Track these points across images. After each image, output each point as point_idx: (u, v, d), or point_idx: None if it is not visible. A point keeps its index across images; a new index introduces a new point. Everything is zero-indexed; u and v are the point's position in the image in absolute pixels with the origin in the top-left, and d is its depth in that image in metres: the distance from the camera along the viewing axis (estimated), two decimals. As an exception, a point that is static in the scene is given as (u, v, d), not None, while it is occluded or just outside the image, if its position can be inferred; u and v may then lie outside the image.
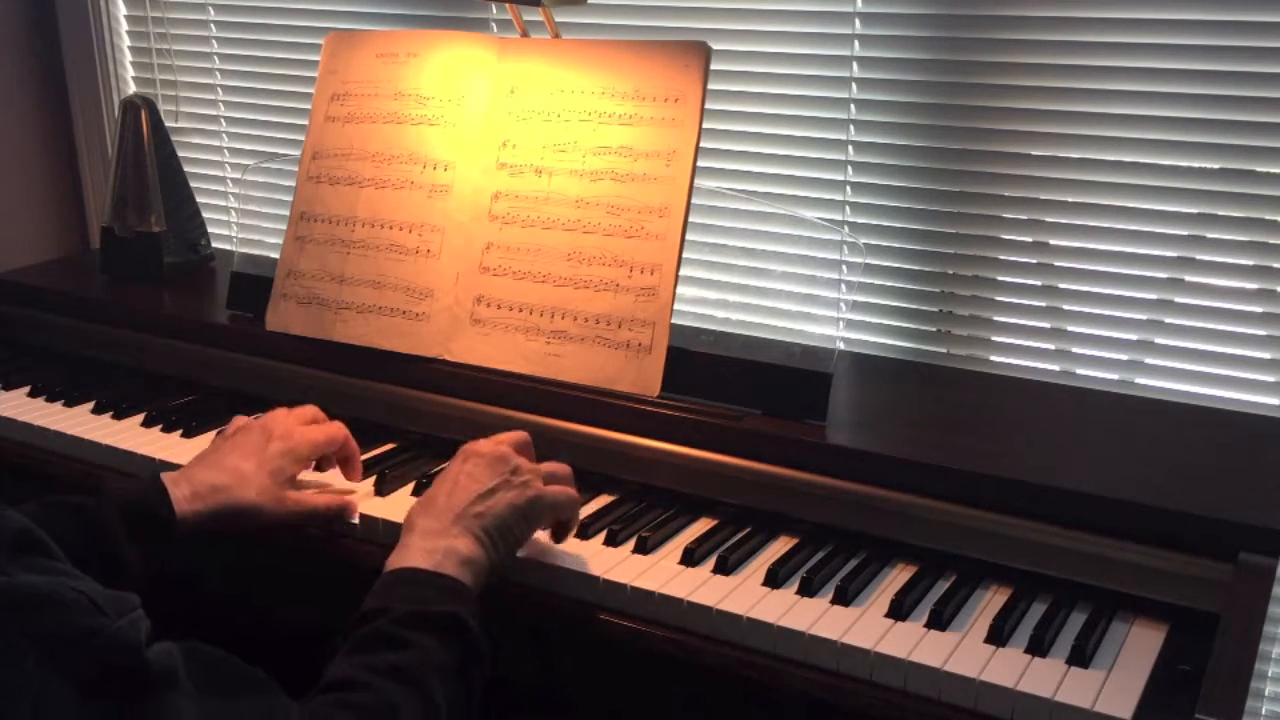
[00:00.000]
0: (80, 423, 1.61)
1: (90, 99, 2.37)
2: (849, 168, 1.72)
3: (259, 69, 2.22)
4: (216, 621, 1.36)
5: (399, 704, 1.00)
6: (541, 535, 1.30)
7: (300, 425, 1.39)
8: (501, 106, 1.55)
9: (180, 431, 1.58)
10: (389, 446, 1.54)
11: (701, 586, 1.22)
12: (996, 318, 1.68)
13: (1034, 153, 1.60)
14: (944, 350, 1.72)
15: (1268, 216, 1.49)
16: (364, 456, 1.46)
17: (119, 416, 1.63)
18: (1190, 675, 1.07)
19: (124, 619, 0.88)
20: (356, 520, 1.36)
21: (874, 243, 1.72)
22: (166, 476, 1.29)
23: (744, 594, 1.21)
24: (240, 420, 1.41)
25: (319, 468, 1.43)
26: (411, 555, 1.14)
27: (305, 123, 1.68)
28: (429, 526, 1.17)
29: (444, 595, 1.10)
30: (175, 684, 0.90)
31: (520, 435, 1.31)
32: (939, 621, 1.16)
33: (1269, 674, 1.58)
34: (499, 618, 1.29)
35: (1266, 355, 1.52)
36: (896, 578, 1.26)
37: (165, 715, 0.88)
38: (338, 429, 1.42)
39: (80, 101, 2.38)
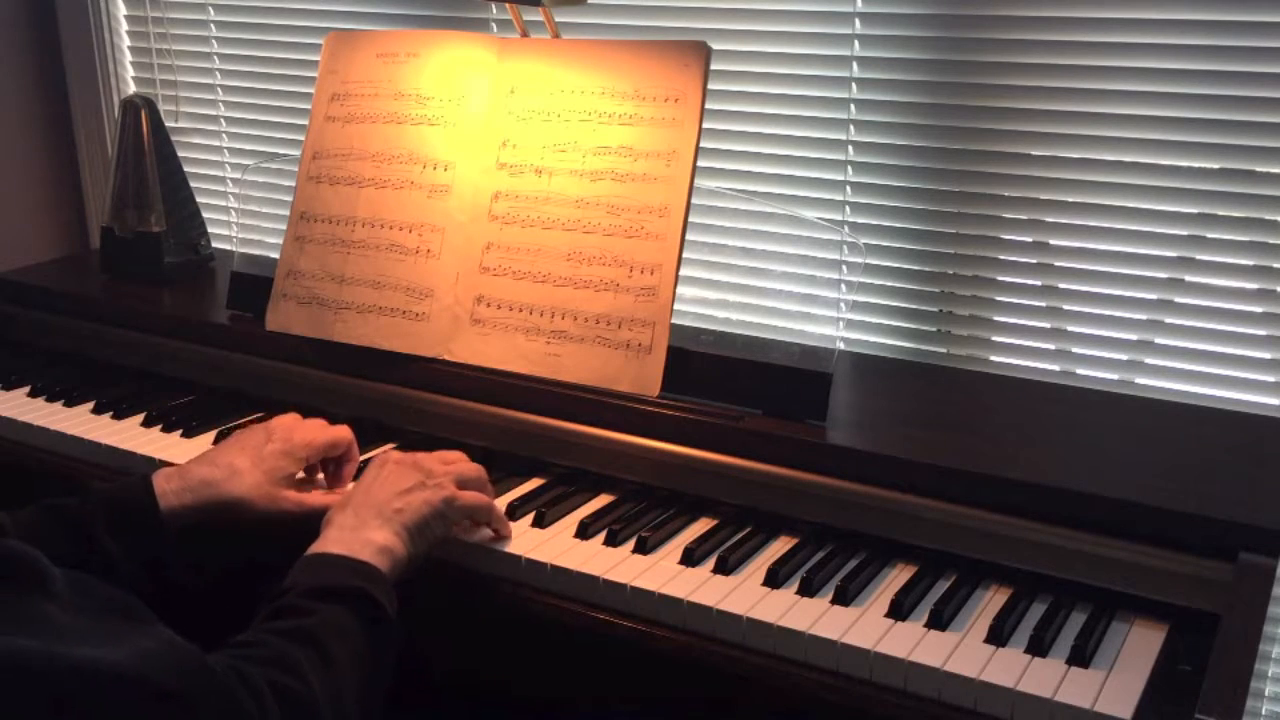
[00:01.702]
0: (80, 423, 1.61)
1: (90, 99, 2.37)
2: (849, 168, 1.72)
3: (259, 69, 2.22)
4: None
5: (298, 660, 1.02)
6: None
7: (303, 425, 1.40)
8: (501, 106, 1.55)
9: (180, 431, 1.58)
10: (389, 446, 1.53)
11: (701, 586, 1.22)
12: (996, 318, 1.68)
13: (1034, 153, 1.60)
14: (944, 350, 1.72)
15: (1268, 216, 1.49)
16: (363, 456, 1.46)
17: (119, 416, 1.63)
18: (1190, 675, 1.07)
19: None
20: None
21: (874, 243, 1.72)
22: (160, 472, 1.31)
23: (744, 594, 1.21)
24: (249, 426, 1.43)
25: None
26: (326, 544, 1.18)
27: (305, 123, 1.68)
28: (345, 521, 1.21)
29: (351, 574, 1.14)
30: (46, 589, 0.90)
31: (441, 454, 1.35)
32: (939, 621, 1.16)
33: (1269, 674, 1.58)
34: (499, 618, 1.30)
35: (1266, 355, 1.52)
36: (896, 578, 1.26)
37: (31, 610, 0.88)
38: (341, 433, 1.42)
39: (80, 101, 2.38)
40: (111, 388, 1.71)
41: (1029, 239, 1.63)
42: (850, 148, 1.71)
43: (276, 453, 1.35)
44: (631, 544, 1.30)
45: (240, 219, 2.29)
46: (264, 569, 1.18)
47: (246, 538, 1.34)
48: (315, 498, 1.37)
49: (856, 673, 1.12)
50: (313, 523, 1.35)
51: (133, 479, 1.31)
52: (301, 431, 1.38)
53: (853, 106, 1.69)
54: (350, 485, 1.38)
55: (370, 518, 1.21)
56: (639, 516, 1.36)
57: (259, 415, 1.62)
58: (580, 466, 1.45)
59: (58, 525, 1.22)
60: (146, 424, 1.61)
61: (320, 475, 1.43)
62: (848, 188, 1.73)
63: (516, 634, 1.34)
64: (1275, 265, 1.50)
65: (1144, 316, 1.58)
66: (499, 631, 1.36)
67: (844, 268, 1.76)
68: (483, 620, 1.36)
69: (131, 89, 2.37)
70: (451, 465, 1.31)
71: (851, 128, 1.70)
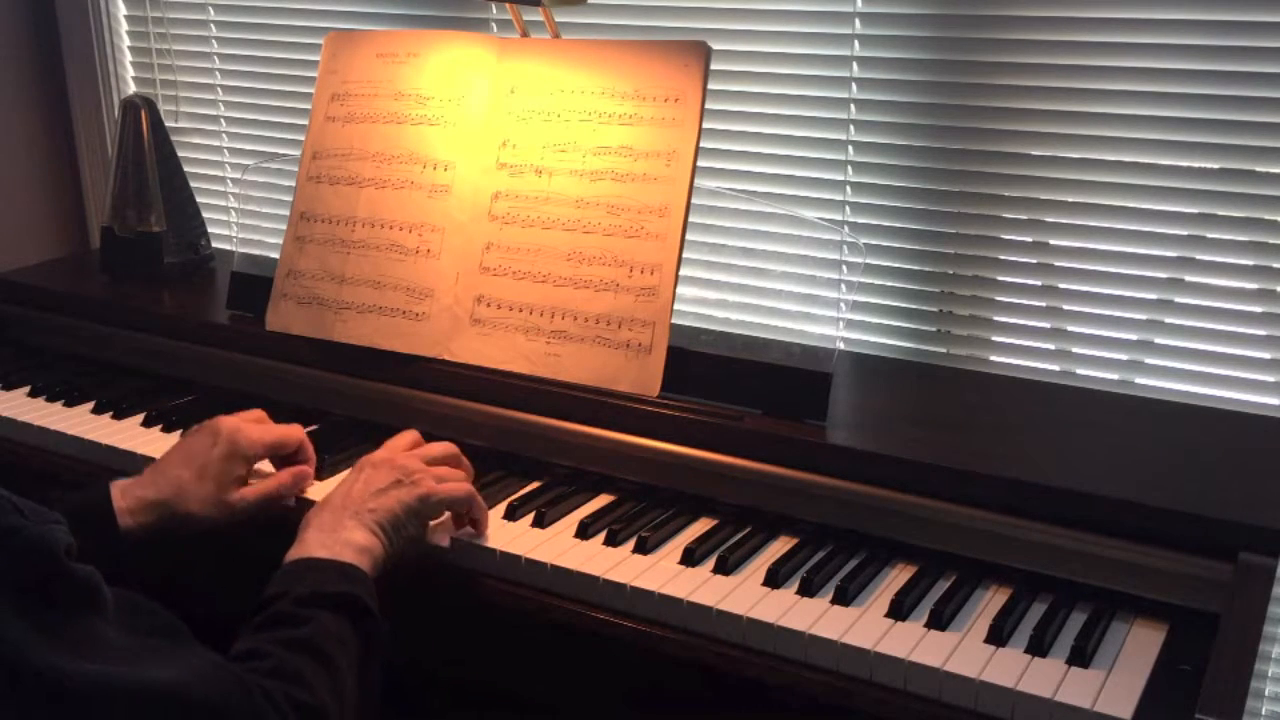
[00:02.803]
0: (80, 423, 1.61)
1: (90, 99, 2.37)
2: (849, 168, 1.72)
3: (259, 69, 2.22)
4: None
5: (304, 671, 1.04)
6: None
7: (248, 423, 1.39)
8: (501, 106, 1.55)
9: (180, 431, 1.57)
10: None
11: (701, 586, 1.22)
12: (996, 318, 1.68)
13: (1034, 153, 1.60)
14: (944, 350, 1.72)
15: (1268, 216, 1.49)
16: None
17: (119, 416, 1.63)
18: (1190, 675, 1.07)
19: (44, 526, 0.90)
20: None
21: (874, 243, 1.72)
22: (118, 484, 1.31)
23: (744, 594, 1.21)
24: (195, 429, 1.42)
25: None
26: (308, 548, 1.19)
27: (305, 123, 1.68)
28: (324, 522, 1.22)
29: (340, 578, 1.15)
30: (101, 609, 0.93)
31: (410, 434, 1.37)
32: (939, 621, 1.16)
33: (1269, 674, 1.58)
34: (499, 618, 1.30)
35: (1266, 355, 1.52)
36: (896, 578, 1.26)
37: (90, 631, 0.91)
38: (288, 432, 1.41)
39: (80, 101, 2.38)
40: (111, 388, 1.71)
41: (1029, 239, 1.63)
42: (850, 148, 1.71)
43: (221, 457, 1.34)
44: (631, 544, 1.30)
45: (240, 219, 2.29)
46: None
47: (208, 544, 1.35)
48: (265, 486, 1.36)
49: (856, 673, 1.12)
50: (269, 512, 1.36)
51: (94, 489, 1.31)
52: (246, 432, 1.37)
53: (853, 106, 1.69)
54: (303, 469, 1.41)
55: (346, 519, 1.22)
56: (639, 516, 1.36)
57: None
58: (580, 466, 1.45)
59: None
60: (146, 424, 1.61)
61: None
62: (848, 188, 1.73)
63: (516, 634, 1.34)
64: (1275, 265, 1.50)
65: (1144, 316, 1.58)
66: (499, 632, 1.36)
67: (844, 268, 1.76)
68: (482, 621, 1.36)
69: (131, 89, 2.37)
70: (430, 454, 1.32)
71: (851, 128, 1.70)
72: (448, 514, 1.33)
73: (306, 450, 1.43)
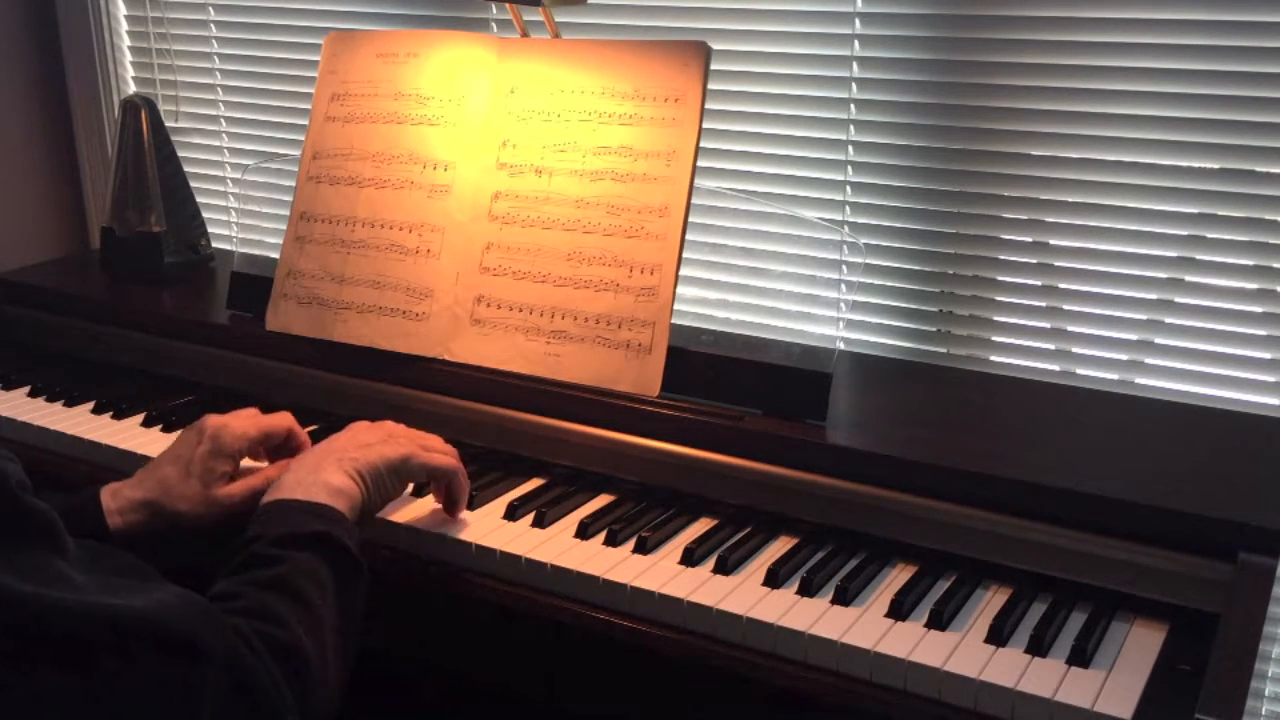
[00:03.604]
0: (80, 423, 1.61)
1: (90, 99, 2.37)
2: (849, 168, 1.72)
3: (259, 69, 2.22)
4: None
5: (277, 608, 1.04)
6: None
7: (233, 419, 1.38)
8: (501, 106, 1.55)
9: (180, 432, 1.57)
10: None
11: (701, 586, 1.22)
12: (996, 318, 1.68)
13: (1034, 153, 1.60)
14: (944, 350, 1.72)
15: (1268, 216, 1.49)
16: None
17: (119, 416, 1.63)
18: (1190, 675, 1.07)
19: None
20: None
21: (874, 243, 1.72)
22: (107, 488, 1.30)
23: (744, 594, 1.21)
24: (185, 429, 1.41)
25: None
26: (282, 490, 1.20)
27: (305, 123, 1.68)
28: (302, 467, 1.23)
29: (314, 518, 1.15)
30: (61, 550, 0.92)
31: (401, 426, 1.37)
32: (939, 621, 1.16)
33: (1269, 674, 1.58)
34: (499, 618, 1.29)
35: (1266, 355, 1.52)
36: (896, 578, 1.26)
37: (46, 565, 0.90)
38: (275, 421, 1.40)
39: (80, 101, 2.38)
40: (111, 388, 1.71)
41: (1029, 239, 1.63)
42: (850, 148, 1.71)
43: (206, 454, 1.32)
44: (631, 544, 1.30)
45: (240, 219, 2.29)
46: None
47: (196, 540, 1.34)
48: (251, 480, 1.35)
49: (856, 673, 1.12)
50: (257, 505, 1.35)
51: (83, 493, 1.30)
52: (231, 429, 1.36)
53: (853, 106, 1.69)
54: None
55: (327, 463, 1.23)
56: (639, 516, 1.36)
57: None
58: (580, 466, 1.45)
59: None
60: (146, 424, 1.61)
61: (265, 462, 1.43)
62: (848, 188, 1.73)
63: (516, 634, 1.34)
64: (1275, 265, 1.50)
65: (1144, 316, 1.58)
66: (498, 632, 1.36)
67: (844, 268, 1.76)
68: (482, 621, 1.36)
69: (131, 89, 2.37)
70: (417, 433, 1.33)
71: (851, 128, 1.70)
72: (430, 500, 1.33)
73: (297, 437, 1.41)
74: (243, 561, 1.10)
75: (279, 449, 1.41)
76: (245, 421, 1.38)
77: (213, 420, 1.37)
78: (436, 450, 1.33)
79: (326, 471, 1.22)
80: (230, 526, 1.33)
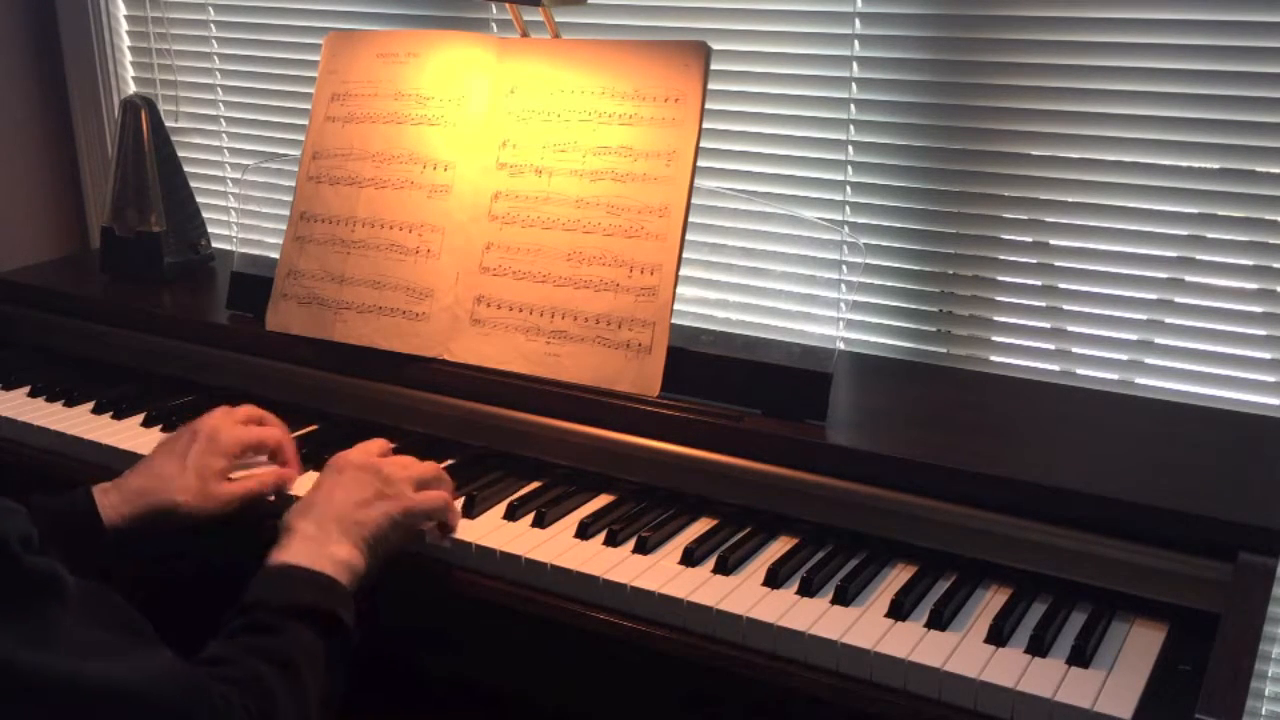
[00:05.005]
0: (80, 423, 1.61)
1: (90, 99, 2.37)
2: (849, 168, 1.72)
3: (259, 69, 2.22)
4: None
5: (268, 682, 1.04)
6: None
7: (229, 422, 1.41)
8: (501, 106, 1.55)
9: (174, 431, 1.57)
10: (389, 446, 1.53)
11: (701, 586, 1.22)
12: (996, 318, 1.68)
13: (1034, 153, 1.60)
14: (944, 350, 1.72)
15: (1268, 216, 1.49)
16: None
17: (119, 416, 1.63)
18: (1190, 675, 1.07)
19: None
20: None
21: (874, 243, 1.72)
22: (99, 486, 1.32)
23: (744, 594, 1.21)
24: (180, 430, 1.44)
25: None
26: (290, 554, 1.19)
27: (305, 123, 1.68)
28: (308, 530, 1.22)
29: (318, 591, 1.15)
30: (61, 599, 0.92)
31: (383, 443, 1.38)
32: (939, 621, 1.16)
33: (1269, 674, 1.58)
34: (498, 618, 1.30)
35: (1266, 355, 1.52)
36: (896, 578, 1.26)
37: (44, 622, 0.90)
38: (270, 432, 1.43)
39: (80, 101, 2.38)
40: (111, 388, 1.71)
41: (1029, 239, 1.63)
42: (850, 148, 1.71)
43: (202, 452, 1.36)
44: (631, 544, 1.30)
45: (240, 219, 2.29)
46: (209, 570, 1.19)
47: (191, 538, 1.36)
48: (248, 484, 1.37)
49: (856, 673, 1.12)
50: (251, 509, 1.36)
51: (75, 493, 1.32)
52: (227, 430, 1.39)
53: (853, 106, 1.69)
54: (287, 471, 1.41)
55: (332, 529, 1.22)
56: (639, 516, 1.36)
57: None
58: (580, 466, 1.45)
59: None
60: (146, 424, 1.61)
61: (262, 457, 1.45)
62: (848, 188, 1.73)
63: (515, 634, 1.35)
64: (1275, 265, 1.50)
65: (1144, 316, 1.58)
66: (498, 632, 1.36)
67: (844, 268, 1.76)
68: (481, 621, 1.36)
69: (131, 89, 2.37)
70: (408, 469, 1.32)
71: (851, 128, 1.70)
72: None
73: (285, 453, 1.44)
74: (243, 626, 1.11)
75: (274, 453, 1.44)
76: (239, 428, 1.41)
77: (206, 422, 1.40)
78: (428, 478, 1.32)
79: (333, 541, 1.21)
80: (221, 522, 1.34)
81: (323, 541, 1.21)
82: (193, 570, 1.46)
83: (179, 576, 1.19)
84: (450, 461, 1.48)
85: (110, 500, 1.31)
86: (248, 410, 1.45)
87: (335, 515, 1.24)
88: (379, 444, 1.38)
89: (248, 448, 1.41)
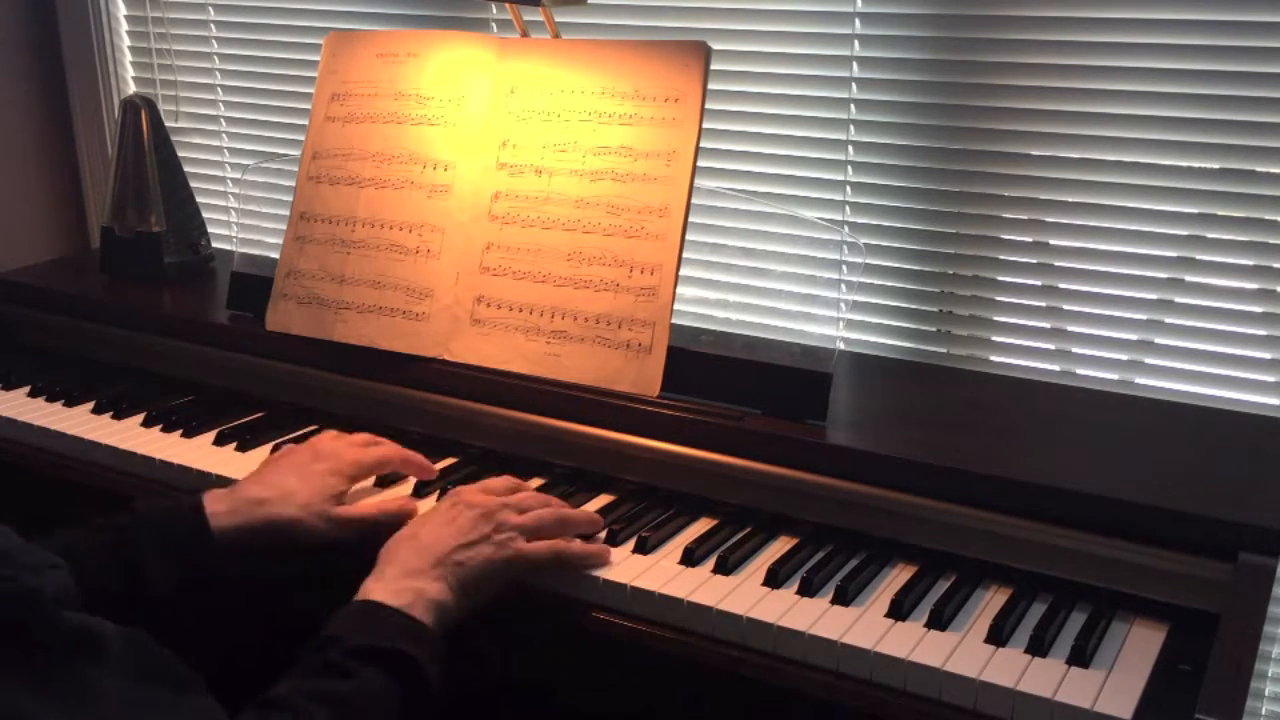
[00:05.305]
0: (80, 423, 1.61)
1: (90, 99, 2.37)
2: (849, 168, 1.72)
3: (259, 69, 2.22)
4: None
5: None
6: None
7: (347, 444, 1.39)
8: (501, 106, 1.55)
9: (180, 431, 1.57)
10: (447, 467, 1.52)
11: (701, 586, 1.22)
12: (996, 318, 1.68)
13: (1034, 153, 1.60)
14: (944, 350, 1.72)
15: (1268, 216, 1.49)
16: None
17: (119, 416, 1.63)
18: (1190, 675, 1.07)
19: (29, 573, 0.86)
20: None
21: (874, 243, 1.72)
22: (209, 494, 1.29)
23: (744, 594, 1.21)
24: (290, 446, 1.42)
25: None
26: (382, 589, 1.14)
27: (305, 123, 1.68)
28: (409, 564, 1.17)
29: (402, 634, 1.10)
30: (100, 658, 0.89)
31: (509, 481, 1.33)
32: (939, 621, 1.16)
33: (1269, 674, 1.58)
34: (498, 618, 1.29)
35: (1266, 355, 1.52)
36: (896, 578, 1.26)
37: (80, 683, 0.87)
38: (387, 454, 1.41)
39: (80, 101, 2.38)
40: (111, 388, 1.71)
41: (1029, 239, 1.63)
42: (850, 148, 1.71)
43: (325, 471, 1.33)
44: (632, 544, 1.30)
45: (240, 219, 2.29)
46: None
47: (292, 556, 1.32)
48: (367, 508, 1.34)
49: (856, 673, 1.12)
50: (367, 536, 1.29)
51: (183, 499, 1.29)
52: (350, 451, 1.37)
53: (853, 106, 1.69)
54: (410, 503, 1.36)
55: (429, 565, 1.17)
56: (639, 516, 1.36)
57: (260, 415, 1.62)
58: (580, 466, 1.45)
59: (103, 548, 1.20)
60: (146, 424, 1.60)
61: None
62: (848, 188, 1.73)
63: (515, 634, 1.34)
64: (1275, 265, 1.50)
65: (1144, 316, 1.58)
66: (497, 631, 1.36)
67: (844, 268, 1.76)
68: (480, 621, 1.36)
69: (131, 89, 2.37)
70: (525, 517, 1.25)
71: (851, 128, 1.70)
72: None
73: (411, 465, 1.42)
74: (315, 666, 1.05)
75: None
76: (359, 450, 1.39)
77: (325, 444, 1.38)
78: (542, 529, 1.25)
79: (428, 578, 1.16)
80: (339, 545, 1.31)
81: (417, 579, 1.15)
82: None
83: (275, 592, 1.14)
84: (450, 461, 1.48)
85: (222, 508, 1.27)
86: (364, 436, 1.43)
87: (436, 550, 1.18)
88: (504, 482, 1.32)
89: (370, 469, 1.39)
